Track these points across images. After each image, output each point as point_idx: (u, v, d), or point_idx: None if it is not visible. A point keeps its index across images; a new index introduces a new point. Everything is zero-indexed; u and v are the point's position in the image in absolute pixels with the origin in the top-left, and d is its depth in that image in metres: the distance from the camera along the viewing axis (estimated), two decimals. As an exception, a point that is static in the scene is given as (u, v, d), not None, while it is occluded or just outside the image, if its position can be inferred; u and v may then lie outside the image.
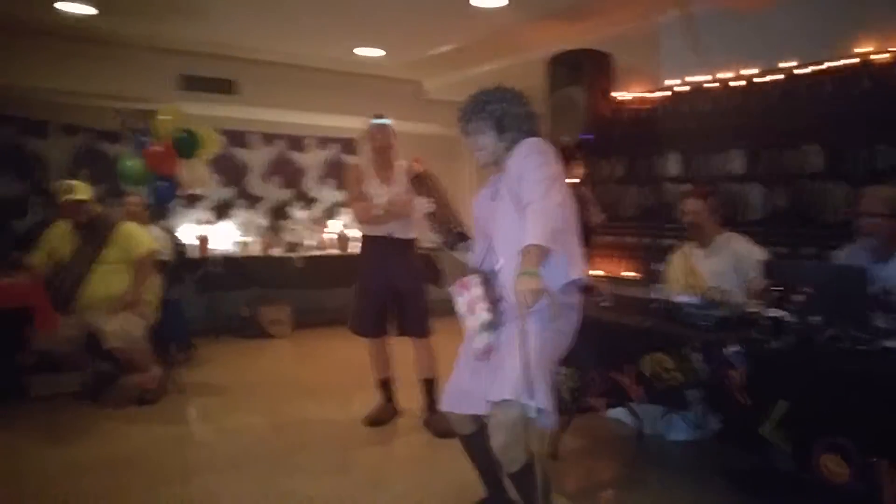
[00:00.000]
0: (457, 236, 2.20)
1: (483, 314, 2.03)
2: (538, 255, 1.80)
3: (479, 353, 2.05)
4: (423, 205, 2.22)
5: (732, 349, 2.23)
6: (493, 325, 2.03)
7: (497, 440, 1.95)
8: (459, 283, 2.13)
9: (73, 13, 4.52)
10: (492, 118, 2.08)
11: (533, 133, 2.10)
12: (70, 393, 3.89)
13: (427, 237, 2.29)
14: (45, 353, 3.65)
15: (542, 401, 1.89)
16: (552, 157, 2.01)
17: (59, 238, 3.76)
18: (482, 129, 2.10)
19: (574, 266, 2.03)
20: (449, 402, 2.20)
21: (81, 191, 3.72)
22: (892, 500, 1.76)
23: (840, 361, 2.04)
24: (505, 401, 1.90)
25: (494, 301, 2.04)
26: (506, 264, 2.01)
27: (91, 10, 4.49)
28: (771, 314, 2.32)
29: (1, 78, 4.82)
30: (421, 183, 2.26)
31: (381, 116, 3.44)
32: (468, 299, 2.08)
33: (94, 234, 3.73)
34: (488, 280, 2.08)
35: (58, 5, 4.39)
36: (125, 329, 3.58)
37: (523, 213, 1.90)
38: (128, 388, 3.92)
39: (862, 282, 2.30)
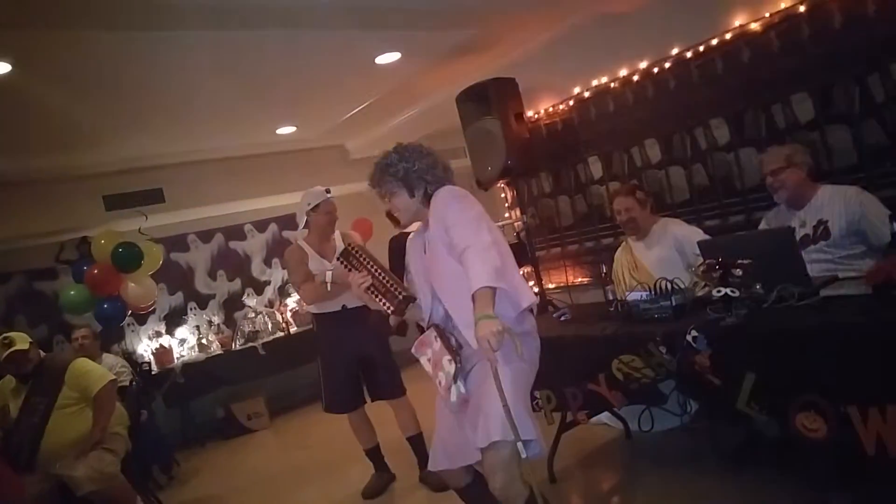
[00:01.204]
0: (403, 301, 2.11)
1: (448, 366, 2.02)
2: (489, 296, 1.83)
3: (456, 406, 2.04)
4: (358, 280, 2.12)
5: (692, 335, 2.29)
6: (460, 374, 2.03)
7: (495, 482, 1.93)
8: (419, 342, 2.12)
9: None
10: (396, 179, 2.11)
11: (442, 181, 2.14)
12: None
13: (375, 307, 2.18)
14: None
15: (527, 433, 1.89)
16: (470, 200, 2.06)
17: (6, 396, 3.55)
18: (393, 192, 2.14)
19: (522, 294, 2.06)
20: (438, 461, 2.17)
21: (20, 341, 3.53)
22: (869, 441, 1.80)
23: (789, 321, 2.10)
24: (494, 443, 1.89)
25: (455, 350, 2.04)
26: (455, 311, 2.02)
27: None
28: (719, 292, 2.40)
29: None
30: (349, 259, 2.16)
31: (328, 190, 3.44)
32: (431, 356, 2.08)
33: (42, 381, 3.54)
34: (443, 331, 2.08)
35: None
36: (97, 469, 3.37)
37: (460, 259, 1.93)
38: None
39: (790, 240, 2.41)
